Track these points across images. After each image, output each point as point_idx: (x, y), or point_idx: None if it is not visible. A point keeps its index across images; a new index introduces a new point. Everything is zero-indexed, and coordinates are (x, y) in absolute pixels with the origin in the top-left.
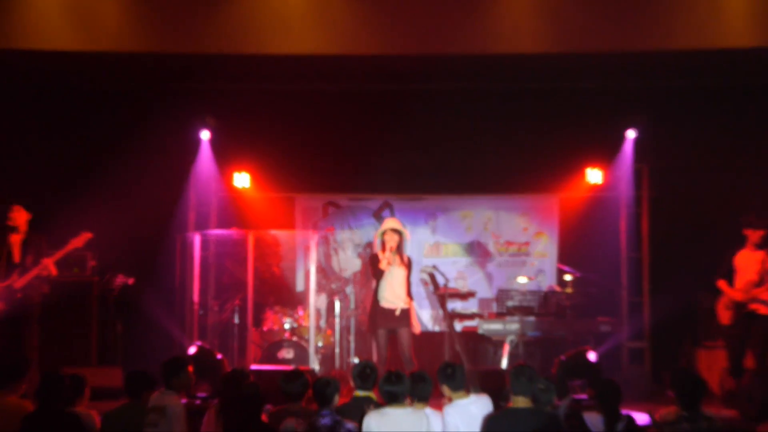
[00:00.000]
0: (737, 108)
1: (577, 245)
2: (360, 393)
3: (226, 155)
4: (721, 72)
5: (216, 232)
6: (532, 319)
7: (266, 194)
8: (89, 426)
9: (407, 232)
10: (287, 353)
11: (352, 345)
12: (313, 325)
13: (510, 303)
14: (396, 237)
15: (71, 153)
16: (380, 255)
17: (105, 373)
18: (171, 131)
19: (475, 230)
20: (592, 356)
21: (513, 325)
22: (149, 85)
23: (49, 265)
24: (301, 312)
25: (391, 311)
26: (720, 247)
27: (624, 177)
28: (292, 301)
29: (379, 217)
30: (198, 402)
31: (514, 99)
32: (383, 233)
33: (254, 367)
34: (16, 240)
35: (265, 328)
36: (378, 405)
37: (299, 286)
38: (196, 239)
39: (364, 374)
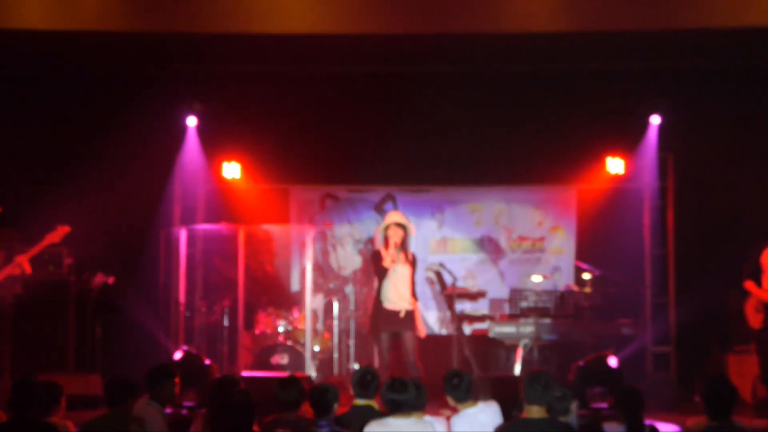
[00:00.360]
0: None
1: (596, 241)
2: (360, 401)
3: (214, 143)
4: (753, 53)
5: (203, 226)
6: (547, 321)
7: (258, 185)
8: None
9: (412, 227)
10: (281, 358)
11: (352, 350)
12: (310, 328)
13: (524, 304)
14: (400, 232)
15: (46, 141)
16: (382, 252)
17: (83, 380)
18: (154, 118)
19: (485, 224)
20: (612, 362)
21: (527, 327)
22: (131, 67)
23: (22, 263)
24: (296, 314)
25: (395, 313)
26: (753, 243)
27: (647, 166)
28: (287, 301)
29: (381, 211)
30: (184, 412)
31: (528, 82)
32: (386, 228)
33: (245, 373)
34: None
35: (257, 332)
36: (380, 414)
37: (294, 286)
38: (182, 235)
39: (365, 381)
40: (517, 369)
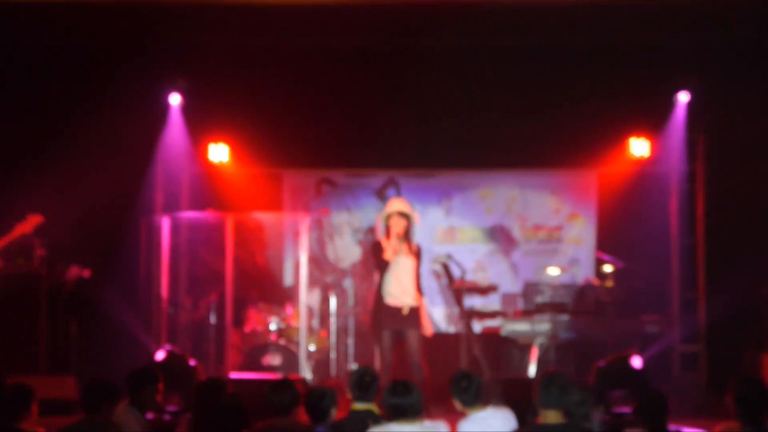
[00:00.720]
0: None
1: (618, 230)
2: (359, 406)
3: (200, 123)
4: None
5: (188, 214)
6: (565, 318)
7: (248, 169)
8: None
9: (416, 215)
10: (273, 359)
11: (351, 349)
12: (305, 326)
13: (539, 299)
14: (403, 221)
15: (14, 122)
16: (384, 242)
17: (56, 382)
18: (134, 95)
19: (497, 212)
20: (636, 362)
21: (542, 325)
22: (107, 40)
23: None
24: (289, 310)
25: (398, 309)
26: None
27: (675, 149)
28: (279, 297)
29: (382, 197)
30: (167, 417)
31: (544, 57)
32: (387, 216)
33: (234, 375)
34: None
35: (246, 330)
36: (380, 420)
37: (288, 280)
38: (165, 223)
39: (363, 382)
40: (532, 370)
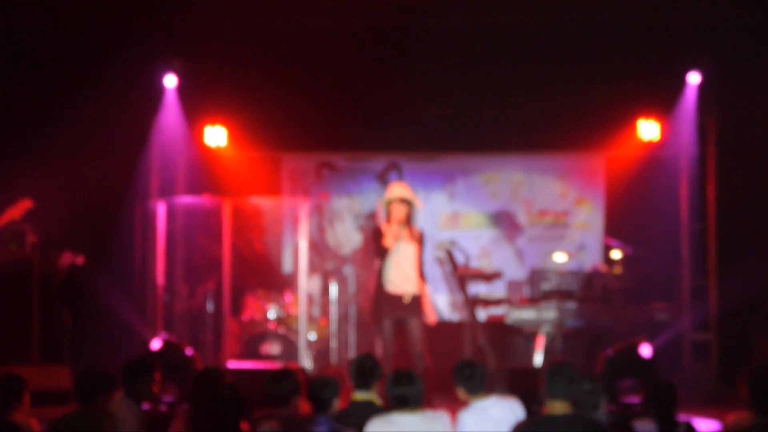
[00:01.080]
0: None
1: (627, 215)
2: (359, 396)
3: (196, 106)
4: None
5: (184, 199)
6: (572, 305)
7: (246, 153)
8: None
9: (418, 200)
10: (272, 348)
11: (352, 338)
12: (304, 314)
13: (545, 286)
14: (404, 206)
15: (4, 105)
16: (384, 228)
17: (49, 372)
18: (128, 77)
19: (502, 197)
20: (645, 351)
21: (549, 313)
22: (101, 20)
23: None
24: (289, 298)
25: (399, 297)
26: None
27: (685, 131)
28: (278, 284)
29: (384, 181)
30: (163, 408)
31: (551, 36)
32: (388, 202)
33: (232, 364)
34: None
35: (244, 318)
36: (381, 410)
37: (287, 266)
38: (161, 209)
39: (363, 369)
40: (538, 359)
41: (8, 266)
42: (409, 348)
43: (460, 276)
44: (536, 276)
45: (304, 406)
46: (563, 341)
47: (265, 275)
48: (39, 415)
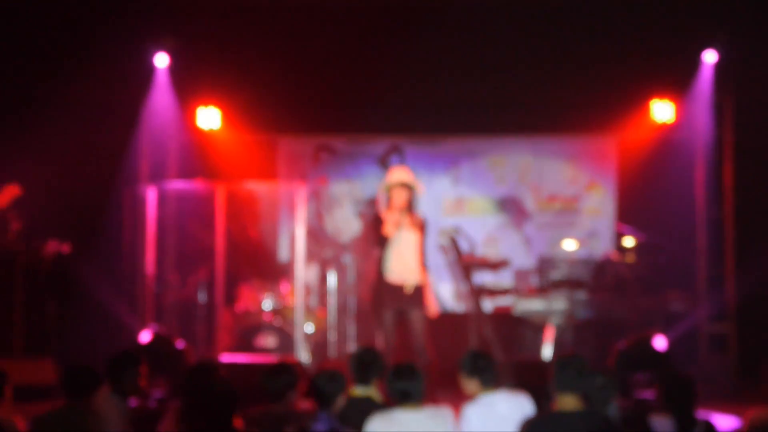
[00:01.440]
0: None
1: (640, 200)
2: (359, 392)
3: (188, 86)
4: None
5: (176, 185)
6: (582, 295)
7: (240, 136)
8: None
9: (421, 185)
10: (267, 340)
11: (351, 330)
12: (301, 305)
13: (554, 275)
14: (405, 192)
15: None
16: (385, 215)
17: (33, 366)
18: (117, 56)
19: (508, 181)
20: (660, 343)
21: (558, 303)
22: None
23: None
24: (285, 288)
25: (400, 287)
26: None
27: (701, 112)
28: (274, 273)
29: (385, 165)
30: (153, 405)
31: (560, 13)
32: (388, 187)
33: (225, 358)
34: None
35: (238, 309)
36: (382, 406)
37: (283, 255)
38: (151, 194)
39: (364, 363)
40: (547, 352)
41: None
42: (410, 341)
43: (465, 265)
44: (545, 264)
45: (301, 402)
46: (573, 333)
47: (260, 264)
48: (22, 411)
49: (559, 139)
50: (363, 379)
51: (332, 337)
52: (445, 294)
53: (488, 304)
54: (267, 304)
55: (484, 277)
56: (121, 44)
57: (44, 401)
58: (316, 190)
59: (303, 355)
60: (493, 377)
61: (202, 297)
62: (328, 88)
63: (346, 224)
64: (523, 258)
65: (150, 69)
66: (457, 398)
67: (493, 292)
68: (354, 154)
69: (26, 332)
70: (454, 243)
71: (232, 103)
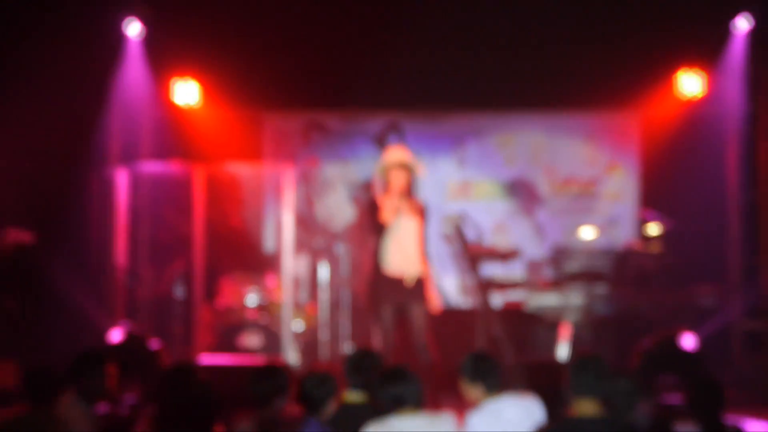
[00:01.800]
0: None
1: (666, 183)
2: (352, 397)
3: (164, 57)
4: None
5: (150, 166)
6: (602, 289)
7: (222, 112)
8: None
9: (422, 166)
10: (251, 340)
11: (345, 328)
12: (290, 300)
13: (570, 267)
14: (405, 174)
15: None
16: (381, 201)
17: None
18: (84, 24)
19: (519, 162)
20: (688, 342)
21: (575, 298)
22: None
23: None
24: (271, 281)
25: (399, 280)
26: None
27: (732, 85)
28: (259, 265)
29: (382, 144)
30: (124, 411)
31: None
32: (385, 169)
33: (205, 359)
34: None
35: (219, 305)
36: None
37: (268, 245)
38: (122, 178)
39: (362, 367)
40: (563, 353)
41: None
42: (411, 339)
43: (472, 255)
44: (560, 255)
45: (290, 408)
46: (592, 331)
47: (243, 255)
48: None
49: (575, 116)
50: (360, 385)
51: (324, 336)
52: (449, 288)
53: (497, 299)
54: (251, 299)
55: (492, 269)
56: (88, 11)
57: (5, 407)
58: (306, 173)
59: (291, 356)
60: (497, 381)
61: (178, 292)
62: (319, 59)
63: (339, 210)
64: (535, 248)
65: (121, 38)
66: (462, 404)
67: (502, 286)
68: (348, 132)
69: None
70: (459, 231)
71: (213, 75)
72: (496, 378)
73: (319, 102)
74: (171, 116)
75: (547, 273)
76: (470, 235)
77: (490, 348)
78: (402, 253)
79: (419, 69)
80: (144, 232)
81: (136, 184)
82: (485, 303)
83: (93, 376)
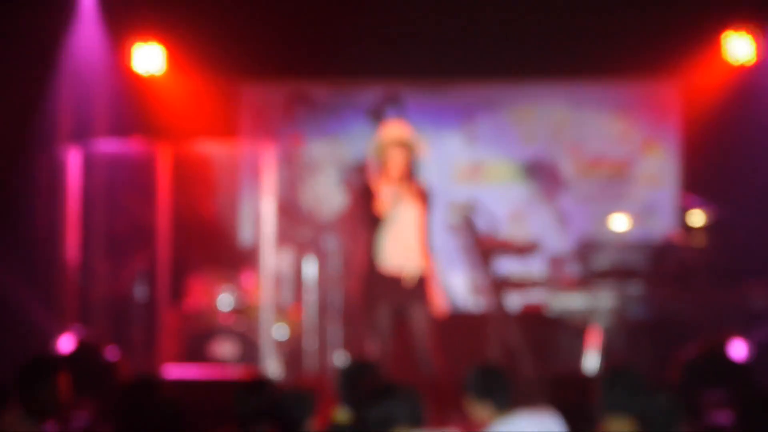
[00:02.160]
0: None
1: (711, 164)
2: (344, 416)
3: (123, 18)
4: None
5: (106, 145)
6: (637, 289)
7: (190, 82)
8: None
9: (425, 145)
10: (225, 349)
11: (335, 335)
12: (270, 302)
13: (599, 262)
14: (404, 153)
15: None
16: (376, 185)
17: None
18: None
19: (539, 140)
20: (738, 351)
21: (604, 299)
22: None
23: None
24: (248, 279)
25: (398, 278)
26: None
27: None
28: (234, 260)
29: (378, 119)
30: (77, 429)
31: None
32: (382, 147)
33: (171, 372)
34: None
35: (188, 308)
36: None
37: (245, 237)
38: (73, 158)
39: (356, 381)
40: (591, 363)
41: None
42: (411, 344)
43: (483, 249)
44: (587, 249)
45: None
46: (625, 338)
47: (215, 249)
48: None
49: (605, 85)
50: (352, 401)
51: (310, 344)
52: (456, 287)
53: (513, 301)
54: (225, 301)
55: (507, 266)
56: None
57: None
58: (289, 152)
59: (272, 367)
60: (508, 398)
61: (140, 292)
62: (304, 19)
63: (328, 197)
64: (558, 240)
65: None
66: (472, 422)
67: (519, 285)
68: (338, 105)
69: None
70: (469, 221)
71: (180, 39)
72: (507, 394)
73: (304, 70)
74: (131, 86)
75: (572, 270)
76: (481, 225)
77: (506, 358)
78: (401, 247)
79: (421, 32)
80: (99, 222)
81: (89, 165)
82: (499, 305)
83: (43, 389)
